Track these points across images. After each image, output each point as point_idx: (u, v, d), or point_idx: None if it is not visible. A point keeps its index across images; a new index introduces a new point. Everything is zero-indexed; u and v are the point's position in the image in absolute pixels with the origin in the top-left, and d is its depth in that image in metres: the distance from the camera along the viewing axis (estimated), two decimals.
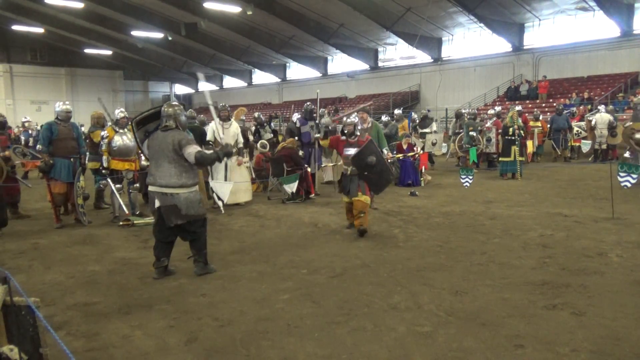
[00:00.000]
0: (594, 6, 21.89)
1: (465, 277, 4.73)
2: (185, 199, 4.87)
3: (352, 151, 6.69)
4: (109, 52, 40.85)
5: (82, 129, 12.53)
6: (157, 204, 4.91)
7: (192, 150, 4.82)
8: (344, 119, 7.28)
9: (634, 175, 7.12)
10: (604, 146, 14.66)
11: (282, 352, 3.34)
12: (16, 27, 35.59)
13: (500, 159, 12.38)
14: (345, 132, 6.97)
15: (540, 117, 16.34)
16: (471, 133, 13.33)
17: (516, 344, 3.37)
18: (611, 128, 14.21)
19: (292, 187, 9.03)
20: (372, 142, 6.70)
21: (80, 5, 27.96)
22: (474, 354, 3.25)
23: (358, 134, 6.87)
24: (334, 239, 6.44)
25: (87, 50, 40.30)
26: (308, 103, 10.83)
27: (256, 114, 13.50)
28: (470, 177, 8.71)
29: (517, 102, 23.02)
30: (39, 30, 35.99)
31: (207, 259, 5.11)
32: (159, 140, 4.93)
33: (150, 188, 4.98)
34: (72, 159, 7.61)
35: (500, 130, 12.71)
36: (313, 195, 9.60)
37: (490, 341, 3.41)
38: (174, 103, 5.11)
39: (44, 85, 42.02)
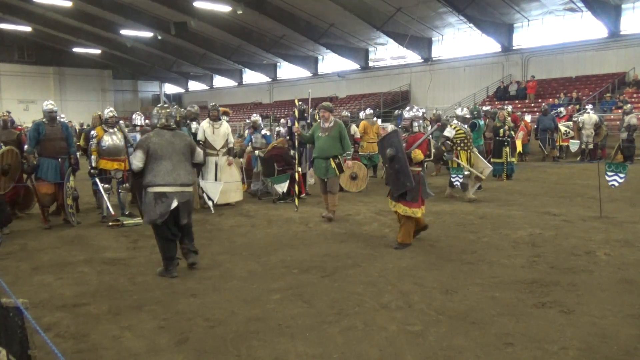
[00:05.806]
0: (582, 7, 22.08)
1: (455, 276, 4.75)
2: (191, 194, 5.19)
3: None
4: (97, 51, 40.51)
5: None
6: (174, 204, 4.87)
7: (201, 151, 5.45)
8: (404, 113, 6.30)
9: (621, 175, 7.21)
10: (590, 146, 14.86)
11: (273, 352, 3.34)
12: (3, 26, 35.06)
13: (491, 160, 12.39)
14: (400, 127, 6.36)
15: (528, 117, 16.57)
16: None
17: (506, 342, 3.39)
18: (597, 128, 14.41)
19: (282, 187, 9.02)
20: (395, 132, 5.89)
21: (69, 3, 27.70)
22: (465, 352, 3.27)
23: (416, 130, 5.94)
24: (325, 238, 6.44)
25: (76, 50, 39.93)
26: (300, 103, 10.80)
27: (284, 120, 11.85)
28: (461, 177, 8.76)
29: (506, 102, 23.18)
30: (27, 29, 35.62)
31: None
32: (167, 140, 4.99)
33: (167, 189, 4.85)
34: (59, 159, 7.53)
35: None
36: (304, 195, 9.60)
37: (480, 339, 3.43)
38: (167, 105, 5.44)
39: (31, 85, 41.50)
